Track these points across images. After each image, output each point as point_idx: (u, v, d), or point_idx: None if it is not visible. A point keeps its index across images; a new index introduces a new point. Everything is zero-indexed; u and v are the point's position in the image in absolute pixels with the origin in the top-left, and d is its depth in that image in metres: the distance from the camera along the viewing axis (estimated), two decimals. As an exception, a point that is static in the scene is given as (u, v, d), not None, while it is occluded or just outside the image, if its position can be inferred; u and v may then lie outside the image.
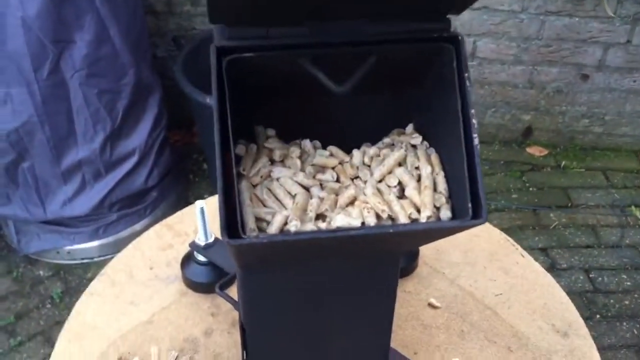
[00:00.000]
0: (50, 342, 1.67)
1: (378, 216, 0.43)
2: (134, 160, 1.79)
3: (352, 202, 0.44)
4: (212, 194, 2.06)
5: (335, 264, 0.51)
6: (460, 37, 0.42)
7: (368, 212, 0.42)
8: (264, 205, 0.43)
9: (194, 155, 2.22)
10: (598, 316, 1.74)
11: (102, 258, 1.88)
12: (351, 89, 0.43)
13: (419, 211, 0.44)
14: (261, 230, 0.42)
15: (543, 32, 1.99)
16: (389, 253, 0.51)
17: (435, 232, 0.43)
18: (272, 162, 0.47)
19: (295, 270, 0.52)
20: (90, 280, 1.82)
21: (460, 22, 1.99)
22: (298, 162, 0.46)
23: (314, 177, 0.46)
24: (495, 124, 2.22)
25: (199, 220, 0.83)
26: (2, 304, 1.77)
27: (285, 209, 0.43)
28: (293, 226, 0.41)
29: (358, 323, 0.61)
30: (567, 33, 1.99)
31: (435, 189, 0.45)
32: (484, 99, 2.16)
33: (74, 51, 1.55)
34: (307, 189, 0.45)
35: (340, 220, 0.42)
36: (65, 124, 1.63)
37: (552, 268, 1.86)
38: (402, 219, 0.43)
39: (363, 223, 0.42)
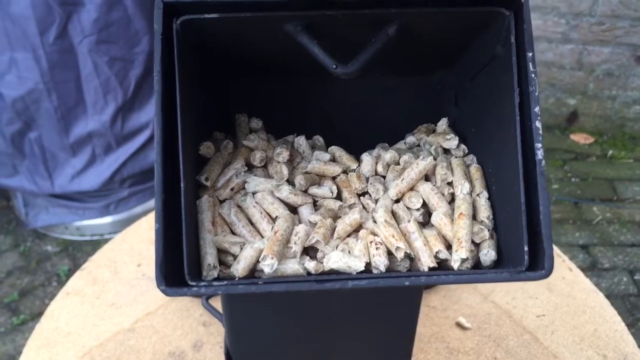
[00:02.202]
0: (53, 323, 1.60)
1: (390, 252, 0.30)
2: (147, 134, 1.69)
3: (356, 230, 0.31)
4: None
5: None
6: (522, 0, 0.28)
7: (377, 248, 0.29)
8: (232, 232, 0.30)
9: (214, 129, 2.11)
10: (642, 323, 1.59)
11: (112, 235, 1.80)
12: (359, 70, 0.29)
13: (449, 247, 0.31)
14: (225, 265, 0.30)
15: (596, 8, 1.81)
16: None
17: (470, 282, 0.30)
18: (251, 167, 0.34)
19: (286, 303, 0.40)
20: (98, 258, 1.74)
21: (505, -6, 1.82)
22: (285, 169, 0.33)
23: (305, 190, 0.33)
24: (537, 107, 2.05)
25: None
26: (7, 279, 1.69)
27: (262, 237, 0.30)
28: (267, 266, 0.28)
29: (370, 347, 0.48)
30: (623, 10, 1.81)
31: (474, 217, 0.31)
32: (526, 79, 1.99)
33: (83, 15, 1.44)
34: (294, 209, 0.32)
35: (335, 259, 0.29)
36: (73, 92, 1.53)
37: (593, 267, 1.71)
38: (425, 260, 0.30)
39: (368, 264, 0.29)
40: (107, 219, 1.80)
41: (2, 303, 1.64)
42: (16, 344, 1.54)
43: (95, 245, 1.78)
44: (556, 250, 0.82)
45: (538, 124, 0.28)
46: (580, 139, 2.07)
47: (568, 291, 0.77)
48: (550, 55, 1.94)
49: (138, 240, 0.82)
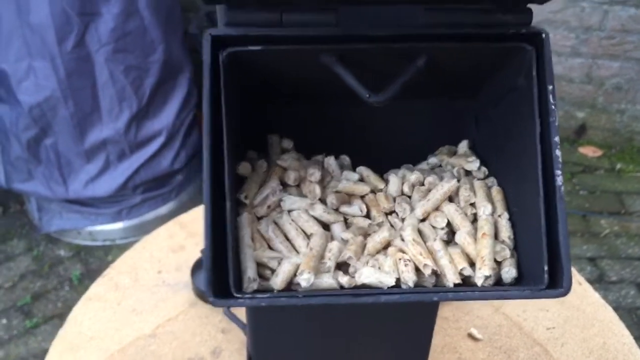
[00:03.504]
0: (66, 327, 1.62)
1: (418, 269, 0.32)
2: (160, 141, 1.71)
3: (385, 248, 0.33)
4: (241, 179, 1.97)
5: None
6: (544, 35, 0.30)
7: (405, 265, 0.31)
8: (269, 247, 0.33)
9: (225, 137, 2.13)
10: (649, 336, 1.60)
11: (124, 241, 1.82)
12: (390, 99, 0.32)
13: (472, 264, 0.33)
14: (263, 278, 0.32)
15: (606, 22, 1.83)
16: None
17: (494, 298, 0.32)
18: (285, 185, 0.36)
19: (312, 316, 0.42)
20: (111, 263, 1.76)
21: (515, 8, 1.84)
22: (317, 188, 0.35)
23: (337, 209, 0.35)
24: (545, 119, 2.07)
25: (211, 225, 0.73)
26: (20, 283, 1.72)
27: (297, 252, 0.32)
28: (304, 280, 0.30)
29: (387, 358, 0.50)
30: (633, 25, 1.82)
31: (496, 236, 0.33)
32: (535, 92, 2.01)
33: (100, 24, 1.47)
34: (326, 226, 0.34)
35: (367, 275, 0.31)
36: (89, 100, 1.56)
37: (600, 280, 1.72)
38: (451, 277, 0.32)
39: (398, 279, 0.31)
40: (119, 225, 1.82)
41: (16, 306, 1.66)
42: (29, 347, 1.57)
43: (107, 250, 1.81)
44: (566, 264, 0.84)
45: (558, 152, 0.30)
46: (588, 152, 2.08)
47: (577, 304, 0.79)
48: (560, 68, 1.95)
49: (158, 248, 0.84)
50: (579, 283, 0.81)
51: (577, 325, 0.76)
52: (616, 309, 1.64)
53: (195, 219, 0.88)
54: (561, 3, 1.82)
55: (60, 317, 1.64)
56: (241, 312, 0.70)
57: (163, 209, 1.85)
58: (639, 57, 1.90)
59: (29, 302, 1.67)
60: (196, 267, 0.79)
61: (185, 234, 0.87)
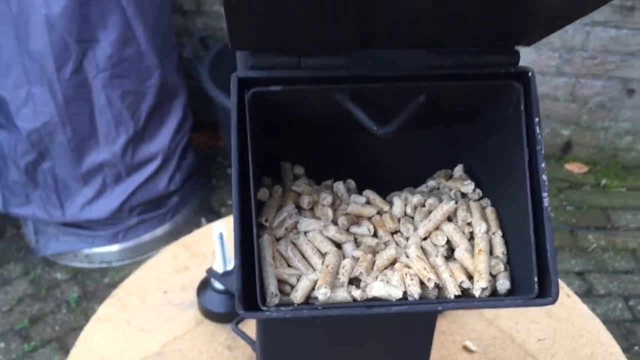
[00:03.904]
0: (65, 349, 1.63)
1: (422, 283, 0.36)
2: (156, 163, 1.74)
3: (392, 264, 0.37)
4: (235, 200, 2.00)
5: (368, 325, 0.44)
6: (530, 74, 0.34)
7: (411, 279, 0.35)
8: (288, 265, 0.36)
9: (218, 158, 2.16)
10: (637, 348, 1.64)
11: (120, 263, 1.84)
12: (396, 131, 0.36)
13: (470, 277, 0.36)
14: (284, 293, 0.35)
15: (588, 43, 1.90)
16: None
17: (490, 307, 0.35)
18: (299, 208, 0.39)
19: (320, 330, 0.46)
20: (108, 285, 1.78)
21: (500, 30, 1.90)
22: (329, 211, 0.39)
23: (347, 229, 0.39)
24: (532, 137, 2.12)
25: (217, 246, 0.77)
26: (18, 306, 1.73)
27: (314, 269, 0.36)
28: (322, 294, 0.34)
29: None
30: (614, 45, 1.89)
31: (491, 252, 0.37)
32: (521, 111, 2.06)
33: (98, 51, 1.50)
34: (339, 245, 0.38)
35: (377, 288, 0.35)
36: (87, 125, 1.59)
37: (588, 294, 1.76)
38: (452, 289, 0.35)
39: (405, 292, 0.35)
40: (115, 247, 1.84)
41: (14, 330, 1.67)
42: (28, 370, 1.58)
43: (103, 272, 1.82)
44: (555, 277, 0.88)
45: (544, 177, 0.34)
46: (574, 168, 2.13)
47: (567, 316, 0.83)
48: (545, 87, 2.01)
49: (163, 269, 0.87)
50: (568, 295, 0.85)
51: (567, 336, 0.80)
52: (604, 322, 1.68)
53: (198, 241, 0.92)
54: (544, 25, 1.88)
55: (58, 340, 1.66)
56: (247, 329, 0.73)
57: (159, 231, 1.87)
58: (620, 76, 1.96)
59: (27, 326, 1.68)
60: (202, 287, 0.82)
61: (189, 254, 0.90)
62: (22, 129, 1.54)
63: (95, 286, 1.79)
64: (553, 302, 0.33)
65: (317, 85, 0.34)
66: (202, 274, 0.83)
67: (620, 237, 1.91)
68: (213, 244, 0.85)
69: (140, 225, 1.82)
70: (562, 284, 0.87)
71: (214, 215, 1.97)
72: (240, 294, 0.31)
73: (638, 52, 1.89)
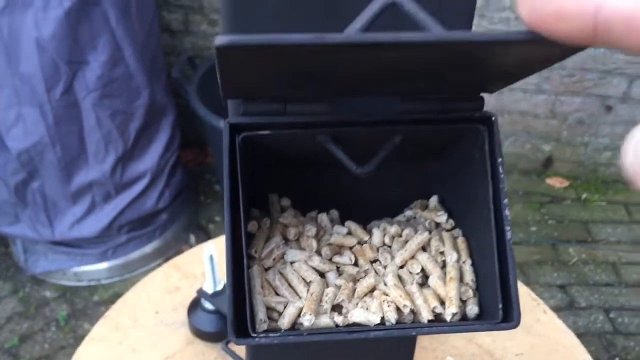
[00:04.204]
0: (54, 367, 1.64)
1: (399, 309, 0.39)
2: (145, 182, 1.77)
3: (371, 291, 0.40)
4: (223, 217, 2.03)
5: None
6: (493, 118, 0.38)
7: (388, 305, 0.38)
8: (276, 293, 0.39)
9: (206, 175, 2.19)
10: (617, 359, 1.68)
11: (109, 280, 1.86)
12: (374, 170, 0.39)
13: (442, 303, 0.40)
14: (272, 320, 0.38)
15: (566, 62, 1.95)
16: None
17: (460, 332, 0.39)
18: (286, 239, 0.43)
19: (306, 351, 0.49)
20: (97, 303, 1.79)
21: (481, 49, 1.95)
22: (314, 242, 0.42)
23: (330, 259, 0.42)
24: (514, 153, 2.17)
25: (208, 268, 0.79)
26: (7, 325, 1.74)
27: (299, 297, 0.39)
28: (307, 320, 0.37)
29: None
30: (592, 64, 1.94)
31: (461, 279, 0.41)
32: (503, 127, 2.11)
33: (88, 72, 1.53)
34: (322, 274, 0.41)
35: (357, 315, 0.38)
36: (76, 144, 1.61)
37: (570, 307, 1.80)
38: (425, 314, 0.39)
39: (382, 318, 0.38)
40: (104, 265, 1.86)
41: (3, 348, 1.68)
42: (18, 388, 1.59)
43: (92, 290, 1.84)
44: (531, 294, 0.91)
45: (507, 212, 0.37)
46: (555, 182, 2.18)
47: (543, 332, 0.86)
48: (526, 105, 2.06)
49: (154, 289, 0.90)
50: (544, 312, 0.89)
51: (543, 351, 0.84)
52: (585, 334, 1.72)
53: (188, 262, 0.94)
54: (524, 44, 1.93)
55: (47, 359, 1.67)
56: (237, 348, 0.75)
57: (147, 248, 1.89)
58: (598, 93, 2.01)
59: (17, 344, 1.69)
60: (192, 307, 0.84)
61: (179, 275, 0.92)
62: (12, 148, 1.56)
63: (84, 304, 1.80)
64: (515, 326, 0.36)
65: (301, 129, 0.37)
66: (193, 294, 0.86)
67: (601, 250, 1.96)
68: (203, 264, 0.88)
69: (129, 242, 1.84)
70: (539, 300, 0.91)
71: (202, 232, 2.00)
72: (232, 322, 0.34)
73: (615, 70, 1.95)
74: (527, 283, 1.85)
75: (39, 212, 1.70)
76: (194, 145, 2.21)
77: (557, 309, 1.78)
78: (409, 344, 0.55)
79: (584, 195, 2.13)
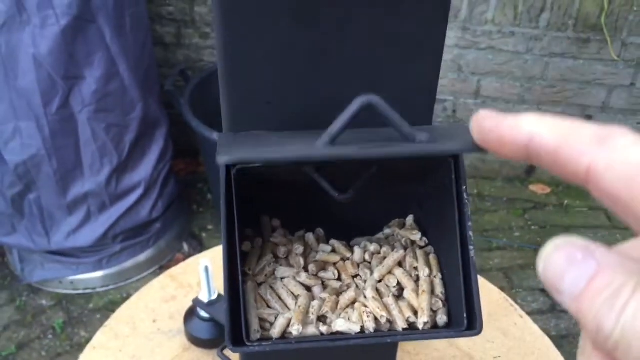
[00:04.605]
0: (51, 374, 1.68)
1: (377, 319, 0.44)
2: (139, 192, 1.81)
3: (352, 304, 0.45)
4: (216, 225, 2.08)
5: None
6: (459, 154, 0.43)
7: (367, 316, 0.44)
8: (268, 306, 0.45)
9: (199, 184, 2.24)
10: (598, 360, 1.74)
11: (104, 289, 1.90)
12: (354, 196, 0.44)
13: (415, 313, 0.45)
14: (264, 329, 0.43)
15: (547, 73, 2.02)
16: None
17: (430, 338, 0.44)
18: (276, 257, 0.48)
19: (295, 357, 0.54)
20: (92, 310, 1.83)
21: (466, 61, 2.01)
22: (301, 260, 0.47)
23: (316, 274, 0.47)
24: (498, 161, 2.23)
25: (203, 278, 0.84)
26: (4, 333, 1.78)
27: (289, 309, 0.44)
28: (295, 330, 0.42)
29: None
30: (572, 75, 2.01)
31: (432, 292, 0.46)
32: (487, 136, 2.17)
33: (84, 87, 1.57)
34: (309, 288, 0.46)
35: (340, 324, 0.43)
36: (72, 157, 1.65)
37: (552, 309, 1.86)
38: (400, 324, 0.44)
39: (362, 327, 0.43)
40: (99, 273, 1.90)
41: (1, 356, 1.72)
42: (16, 395, 1.62)
43: (88, 298, 1.88)
44: (509, 300, 0.97)
45: (470, 233, 0.43)
46: (538, 189, 2.24)
47: (519, 335, 0.92)
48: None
49: (152, 299, 0.95)
50: (521, 316, 0.94)
51: (519, 353, 0.89)
52: (567, 336, 1.78)
53: (184, 272, 0.99)
54: (506, 56, 2.00)
55: (44, 365, 1.71)
56: (232, 354, 0.80)
57: (142, 257, 1.94)
58: (578, 102, 2.08)
59: (14, 352, 1.73)
60: (188, 315, 0.89)
61: (176, 284, 0.97)
62: (10, 161, 1.60)
63: (80, 312, 1.84)
64: (478, 333, 0.42)
65: (292, 163, 0.43)
66: (189, 303, 0.91)
67: (582, 255, 2.01)
68: (198, 275, 0.93)
69: (124, 251, 1.89)
70: (515, 305, 0.97)
71: (196, 240, 2.05)
72: (229, 332, 0.39)
73: (594, 80, 2.02)
74: (511, 287, 1.91)
75: (36, 223, 1.74)
76: (186, 155, 2.26)
77: (539, 312, 1.84)
78: (391, 350, 0.60)
79: (565, 202, 2.20)
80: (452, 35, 1.95)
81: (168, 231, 1.98)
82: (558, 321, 1.83)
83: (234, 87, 0.44)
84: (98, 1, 1.47)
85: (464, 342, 0.90)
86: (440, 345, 0.89)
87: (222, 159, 0.31)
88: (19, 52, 1.46)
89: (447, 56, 2.00)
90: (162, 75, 1.96)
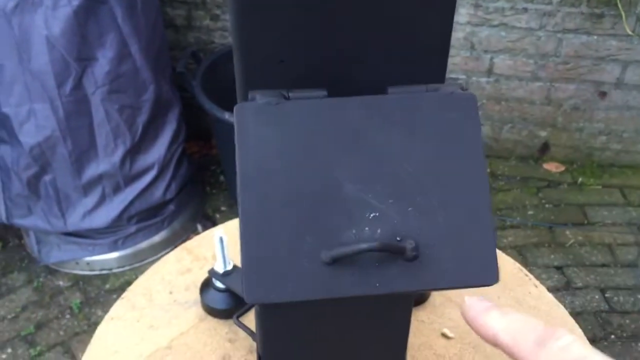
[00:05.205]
0: (70, 353, 1.71)
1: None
2: (152, 173, 1.82)
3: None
4: (229, 206, 2.09)
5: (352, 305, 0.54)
6: None
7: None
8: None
9: (212, 167, 2.24)
10: (613, 336, 1.74)
11: (120, 269, 1.92)
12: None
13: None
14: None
15: (561, 49, 2.00)
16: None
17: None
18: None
19: (312, 311, 0.55)
20: (108, 291, 1.85)
21: (478, 38, 2.00)
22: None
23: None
24: (512, 139, 2.22)
25: (218, 249, 0.85)
26: (23, 313, 1.80)
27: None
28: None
29: (374, 354, 0.63)
30: (585, 50, 1.99)
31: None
32: (500, 114, 2.16)
33: (96, 68, 1.58)
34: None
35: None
36: (86, 138, 1.66)
37: (567, 287, 1.86)
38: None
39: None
40: (115, 254, 1.92)
41: (20, 336, 1.75)
42: (35, 374, 1.65)
43: (104, 279, 1.90)
44: (522, 269, 0.97)
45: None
46: (552, 167, 2.23)
47: (534, 304, 0.92)
48: (522, 92, 2.11)
49: (168, 271, 0.95)
50: (535, 286, 0.94)
51: (534, 321, 0.89)
52: (582, 313, 1.78)
53: (199, 245, 1.00)
54: (519, 33, 1.98)
55: (62, 345, 1.73)
56: (247, 322, 0.81)
57: (156, 238, 1.95)
58: (592, 79, 2.06)
59: (33, 332, 1.75)
60: (204, 286, 0.90)
61: (191, 258, 0.98)
62: (25, 143, 1.62)
63: (96, 292, 1.87)
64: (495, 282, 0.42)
65: None
66: (204, 275, 0.91)
67: (597, 232, 2.01)
68: (213, 248, 0.94)
69: (139, 232, 1.90)
70: (530, 275, 0.96)
71: (209, 221, 2.06)
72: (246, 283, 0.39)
73: (608, 56, 2.00)
74: (525, 265, 1.90)
75: (52, 205, 1.75)
76: (199, 138, 2.26)
77: (554, 290, 1.83)
78: (405, 314, 0.61)
79: (579, 179, 2.18)
80: (464, 12, 1.94)
81: (182, 212, 1.99)
82: (573, 298, 1.82)
83: (247, 46, 0.44)
84: (109, -19, 1.48)
85: (478, 311, 0.90)
86: (454, 313, 0.89)
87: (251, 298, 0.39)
88: (31, 34, 1.47)
89: (459, 34, 1.99)
90: (173, 58, 1.96)
